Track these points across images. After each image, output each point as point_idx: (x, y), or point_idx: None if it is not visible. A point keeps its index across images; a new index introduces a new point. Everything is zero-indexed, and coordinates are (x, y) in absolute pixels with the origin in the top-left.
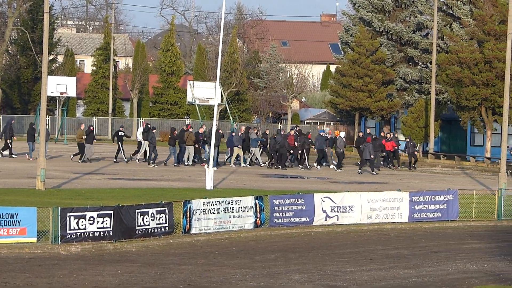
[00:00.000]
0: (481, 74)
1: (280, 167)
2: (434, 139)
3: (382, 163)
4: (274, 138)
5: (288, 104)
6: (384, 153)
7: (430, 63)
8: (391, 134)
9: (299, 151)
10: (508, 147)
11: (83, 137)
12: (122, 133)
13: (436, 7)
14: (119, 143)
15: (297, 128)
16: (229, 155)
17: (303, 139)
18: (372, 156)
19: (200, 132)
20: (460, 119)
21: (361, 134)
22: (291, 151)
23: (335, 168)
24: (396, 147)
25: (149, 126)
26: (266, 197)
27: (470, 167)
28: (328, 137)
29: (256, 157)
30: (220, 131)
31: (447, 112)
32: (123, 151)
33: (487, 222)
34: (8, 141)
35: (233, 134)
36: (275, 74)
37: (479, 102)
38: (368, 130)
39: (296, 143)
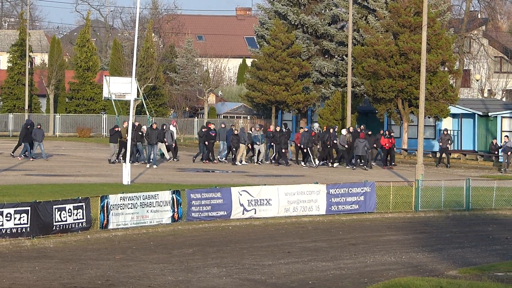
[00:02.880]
0: (397, 66)
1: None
2: None
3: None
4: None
5: (205, 98)
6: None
7: (346, 55)
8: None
9: (304, 150)
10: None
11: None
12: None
13: None
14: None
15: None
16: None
17: (307, 137)
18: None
19: (211, 128)
20: (376, 111)
21: (351, 129)
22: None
23: (327, 164)
24: (393, 144)
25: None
26: (183, 191)
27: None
28: (317, 133)
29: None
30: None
31: (363, 104)
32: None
33: (404, 213)
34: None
35: (235, 131)
36: (191, 68)
37: (396, 94)
38: (362, 126)
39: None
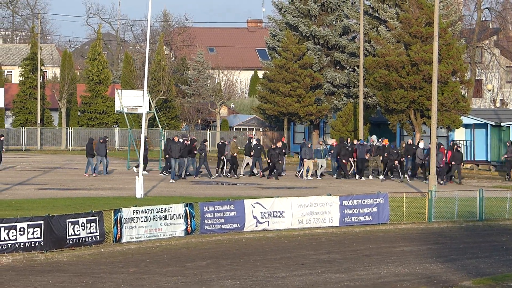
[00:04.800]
0: (408, 77)
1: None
2: None
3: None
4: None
5: (217, 110)
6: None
7: (358, 66)
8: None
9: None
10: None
11: (236, 150)
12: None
13: (362, 10)
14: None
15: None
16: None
17: (364, 149)
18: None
19: (278, 146)
20: (389, 122)
21: (410, 141)
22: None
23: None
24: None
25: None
26: (196, 204)
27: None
28: (373, 145)
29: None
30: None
31: (375, 115)
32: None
33: (418, 224)
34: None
35: (309, 145)
36: (203, 81)
37: (407, 105)
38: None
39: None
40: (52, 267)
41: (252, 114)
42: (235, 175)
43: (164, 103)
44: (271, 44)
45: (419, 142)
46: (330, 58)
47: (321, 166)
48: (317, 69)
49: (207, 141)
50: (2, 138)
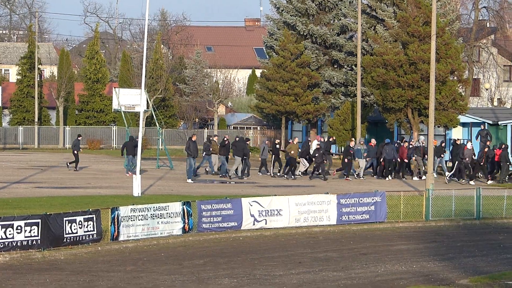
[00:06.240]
0: (406, 76)
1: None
2: None
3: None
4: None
5: (215, 109)
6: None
7: (355, 65)
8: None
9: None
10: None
11: (292, 152)
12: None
13: (359, 9)
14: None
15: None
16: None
17: (391, 150)
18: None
19: (351, 146)
20: (386, 121)
21: (458, 141)
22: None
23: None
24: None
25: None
26: (193, 203)
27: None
28: (421, 147)
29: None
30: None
31: (373, 114)
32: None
33: (415, 223)
34: None
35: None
36: (200, 79)
37: (405, 103)
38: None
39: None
40: (49, 266)
41: (250, 113)
42: (292, 177)
43: (161, 102)
44: (268, 43)
45: (467, 142)
46: (327, 57)
47: (360, 166)
48: (315, 68)
49: (249, 140)
50: (79, 138)
